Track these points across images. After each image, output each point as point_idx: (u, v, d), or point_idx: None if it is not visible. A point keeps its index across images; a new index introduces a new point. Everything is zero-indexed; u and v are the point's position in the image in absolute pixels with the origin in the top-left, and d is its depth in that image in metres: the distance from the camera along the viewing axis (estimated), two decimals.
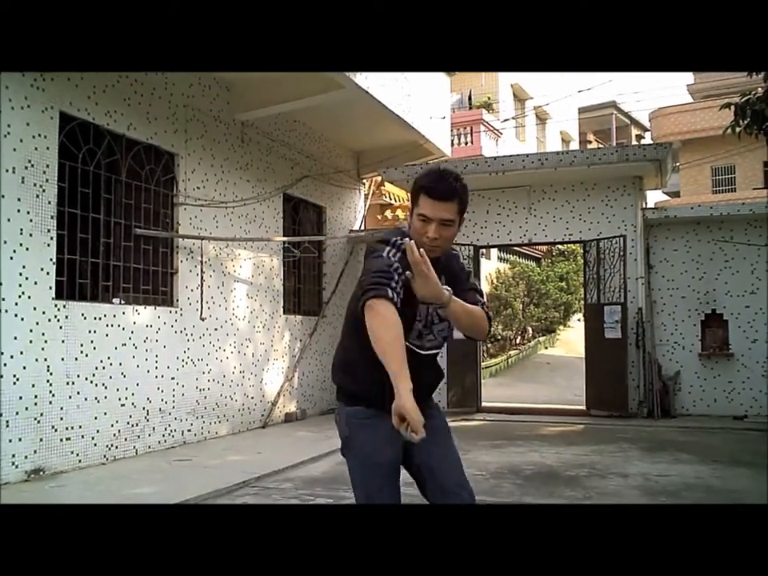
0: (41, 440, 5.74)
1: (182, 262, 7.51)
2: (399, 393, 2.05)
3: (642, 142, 32.34)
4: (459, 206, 2.36)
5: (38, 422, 5.72)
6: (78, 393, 6.11)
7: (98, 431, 6.28)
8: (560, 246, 19.15)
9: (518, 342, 17.97)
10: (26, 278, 5.66)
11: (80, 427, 6.11)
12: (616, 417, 9.45)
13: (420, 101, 10.22)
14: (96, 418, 6.28)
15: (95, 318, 6.32)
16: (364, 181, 12.12)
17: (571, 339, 18.72)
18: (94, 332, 6.29)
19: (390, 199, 15.03)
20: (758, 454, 6.95)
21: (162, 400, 7.10)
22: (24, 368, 5.60)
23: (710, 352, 9.84)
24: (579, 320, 17.60)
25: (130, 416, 6.67)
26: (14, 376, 5.53)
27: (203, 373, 7.76)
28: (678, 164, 21.17)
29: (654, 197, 28.97)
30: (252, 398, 8.68)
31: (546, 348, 18.67)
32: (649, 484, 5.63)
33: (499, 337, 16.68)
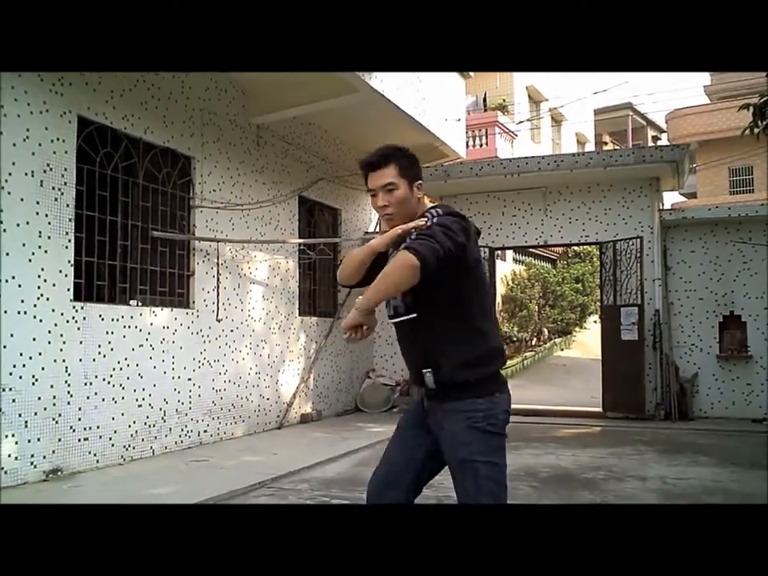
0: (59, 440, 5.79)
1: (198, 264, 7.56)
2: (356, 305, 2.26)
3: (659, 143, 32.15)
4: (399, 169, 2.41)
5: (57, 422, 5.77)
6: (96, 393, 6.16)
7: (115, 432, 6.33)
8: (576, 248, 19.06)
9: (533, 343, 17.90)
10: (45, 280, 5.71)
11: (98, 427, 6.16)
12: (633, 419, 9.39)
13: (435, 103, 10.23)
14: (113, 419, 6.32)
15: (113, 320, 6.37)
16: None
17: (587, 341, 18.62)
18: (112, 333, 6.34)
19: None
20: None
21: (179, 401, 7.14)
22: (42, 369, 5.66)
23: (728, 354, 9.76)
24: (595, 322, 17.52)
25: (147, 417, 6.71)
26: (33, 377, 5.58)
27: (219, 374, 7.80)
28: (695, 165, 20.99)
29: (670, 198, 28.79)
30: (268, 399, 8.71)
31: (562, 350, 18.58)
32: (667, 487, 5.59)
33: (515, 338, 16.62)
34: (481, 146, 19.49)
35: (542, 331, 18.36)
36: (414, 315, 2.35)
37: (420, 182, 2.48)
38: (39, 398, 5.63)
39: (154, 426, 6.79)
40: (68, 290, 5.95)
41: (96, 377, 6.17)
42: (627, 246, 9.74)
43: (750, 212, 9.79)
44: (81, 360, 6.02)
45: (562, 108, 22.65)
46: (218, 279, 7.80)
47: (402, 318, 2.39)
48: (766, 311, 9.64)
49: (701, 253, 10.02)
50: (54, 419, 5.75)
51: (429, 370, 2.38)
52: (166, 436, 6.95)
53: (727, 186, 27.15)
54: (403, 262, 2.13)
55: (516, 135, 20.70)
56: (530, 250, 17.92)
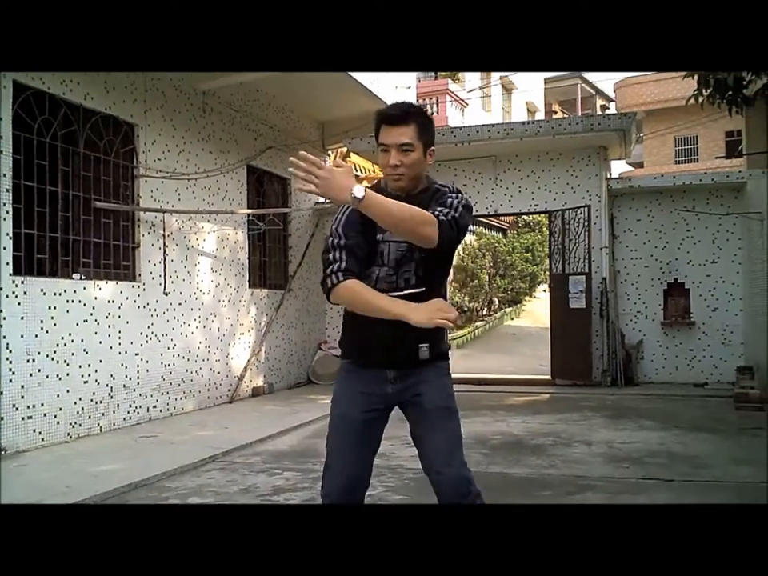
0: (1, 419, 5.62)
1: (143, 235, 7.37)
2: (407, 316, 2.16)
3: (607, 112, 32.51)
4: (418, 130, 2.33)
5: None
6: (39, 370, 5.99)
7: (60, 409, 6.18)
8: (525, 217, 19.24)
9: (484, 313, 18.09)
10: None
11: (42, 405, 6.00)
12: (580, 386, 9.59)
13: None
14: (58, 396, 6.17)
15: (55, 294, 6.18)
16: (329, 152, 12.00)
17: (537, 310, 18.90)
18: (54, 308, 6.16)
19: (357, 171, 14.91)
20: (718, 420, 7.12)
21: (126, 376, 7.01)
22: None
23: (671, 321, 10.01)
24: (545, 291, 17.77)
25: (94, 393, 6.57)
26: None
27: (168, 348, 7.67)
28: (641, 134, 21.30)
29: (617, 168, 29.20)
30: (218, 372, 8.61)
31: (512, 319, 18.82)
32: (612, 451, 5.72)
33: (465, 309, 16.75)
34: (431, 114, 19.39)
35: (493, 301, 18.54)
36: (423, 289, 2.36)
37: (433, 149, 2.41)
38: None
39: (100, 402, 6.65)
40: (7, 263, 5.73)
41: (39, 353, 5.99)
42: (575, 214, 9.85)
43: (695, 181, 9.98)
44: (22, 336, 5.84)
45: (512, 76, 22.67)
46: (165, 251, 7.63)
47: (409, 292, 2.36)
48: (709, 278, 9.89)
49: (646, 221, 10.20)
50: None
51: (426, 344, 2.39)
52: (113, 412, 6.81)
53: (673, 156, 27.72)
54: (428, 227, 2.19)
55: (467, 104, 20.68)
56: (481, 219, 18.02)
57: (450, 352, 2.58)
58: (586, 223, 9.65)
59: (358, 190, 2.02)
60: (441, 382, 2.46)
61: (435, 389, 2.44)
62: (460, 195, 2.37)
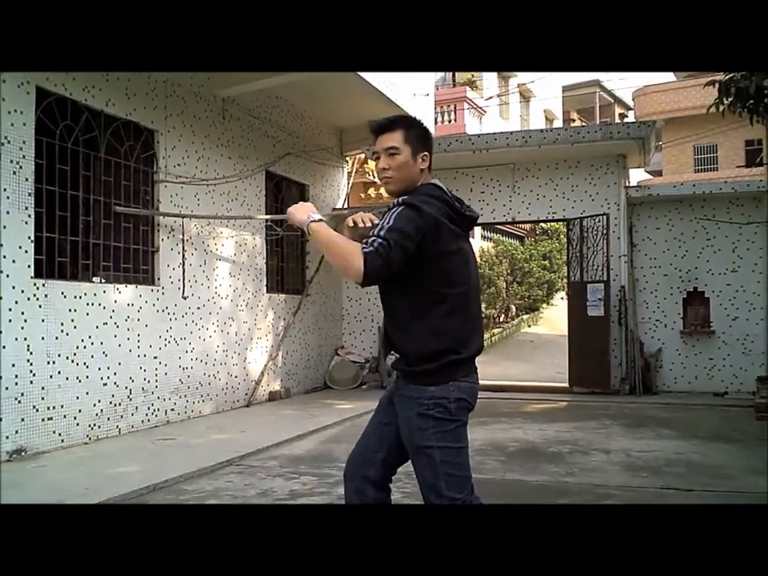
0: (22, 420, 5.68)
1: (163, 240, 7.43)
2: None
3: (626, 120, 32.36)
4: (404, 135, 2.41)
5: (19, 401, 5.66)
6: (59, 372, 6.05)
7: (80, 411, 6.23)
8: (543, 225, 19.17)
9: (501, 320, 18.03)
10: (4, 257, 5.56)
11: (62, 407, 6.05)
12: (598, 394, 9.52)
13: (403, 77, 10.14)
14: (78, 398, 6.22)
15: (75, 297, 6.24)
16: (347, 158, 12.04)
17: (554, 317, 18.81)
18: (75, 311, 6.22)
19: (374, 177, 14.93)
20: (738, 429, 7.04)
21: (145, 379, 7.05)
22: (3, 347, 5.52)
23: (691, 329, 9.93)
24: (562, 298, 17.70)
25: (113, 395, 6.62)
26: None
27: (186, 352, 7.71)
28: (660, 143, 21.19)
29: (636, 176, 29.06)
30: (236, 376, 8.65)
31: (530, 326, 18.74)
32: (630, 460, 5.68)
33: (482, 315, 16.70)
34: (449, 121, 19.43)
35: (510, 308, 18.49)
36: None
37: (426, 154, 2.44)
38: (0, 378, 5.50)
39: (119, 404, 6.70)
40: (29, 266, 5.80)
41: (59, 355, 6.05)
42: (594, 222, 9.80)
43: (714, 189, 9.91)
44: (43, 338, 5.90)
45: (530, 84, 22.64)
46: (184, 255, 7.68)
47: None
48: (729, 287, 9.80)
49: (666, 230, 10.13)
50: (16, 399, 5.63)
51: (393, 354, 2.38)
52: (132, 415, 6.86)
53: (692, 164, 27.52)
54: (353, 262, 2.12)
55: (485, 111, 20.67)
56: (498, 226, 17.99)
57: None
58: (605, 231, 9.60)
59: (310, 220, 2.26)
60: (406, 416, 2.34)
61: (402, 426, 2.38)
62: (399, 208, 2.26)
